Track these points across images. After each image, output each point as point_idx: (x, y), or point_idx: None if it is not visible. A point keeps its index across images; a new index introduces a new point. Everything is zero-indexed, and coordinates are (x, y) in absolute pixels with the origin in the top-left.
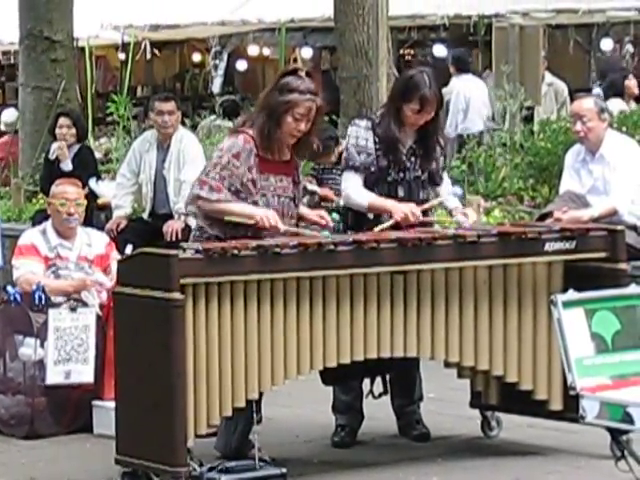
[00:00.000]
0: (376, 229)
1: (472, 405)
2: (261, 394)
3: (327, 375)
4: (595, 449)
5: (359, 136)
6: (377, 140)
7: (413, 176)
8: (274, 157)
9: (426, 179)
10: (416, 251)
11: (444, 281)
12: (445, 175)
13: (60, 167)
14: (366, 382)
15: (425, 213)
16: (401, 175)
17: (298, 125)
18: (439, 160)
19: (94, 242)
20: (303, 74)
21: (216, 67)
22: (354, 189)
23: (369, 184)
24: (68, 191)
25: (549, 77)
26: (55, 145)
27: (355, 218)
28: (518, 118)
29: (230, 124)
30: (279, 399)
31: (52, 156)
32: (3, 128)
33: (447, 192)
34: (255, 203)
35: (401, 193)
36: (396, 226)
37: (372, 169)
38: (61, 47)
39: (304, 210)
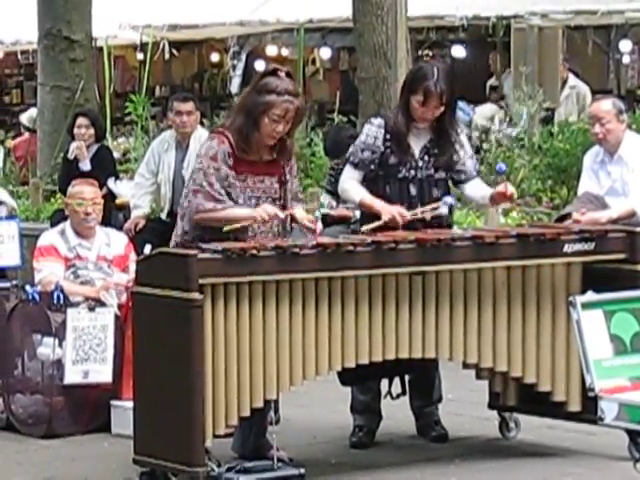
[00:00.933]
0: (363, 228)
1: (490, 406)
2: (279, 394)
3: (345, 375)
4: (613, 451)
5: (369, 134)
6: (387, 137)
7: (425, 175)
8: (253, 157)
9: (442, 178)
10: (435, 252)
11: (463, 282)
12: (476, 181)
13: (79, 167)
14: (384, 383)
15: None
16: (412, 173)
17: (276, 126)
18: (463, 160)
19: (113, 242)
20: (283, 74)
21: (234, 67)
22: (350, 184)
23: (379, 181)
24: (85, 191)
25: (572, 80)
26: (74, 145)
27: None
28: (537, 119)
29: None
30: (297, 399)
31: (71, 156)
32: (27, 123)
33: (480, 196)
34: (236, 202)
35: (413, 191)
36: (384, 227)
37: (372, 167)
38: (80, 47)
39: (299, 213)
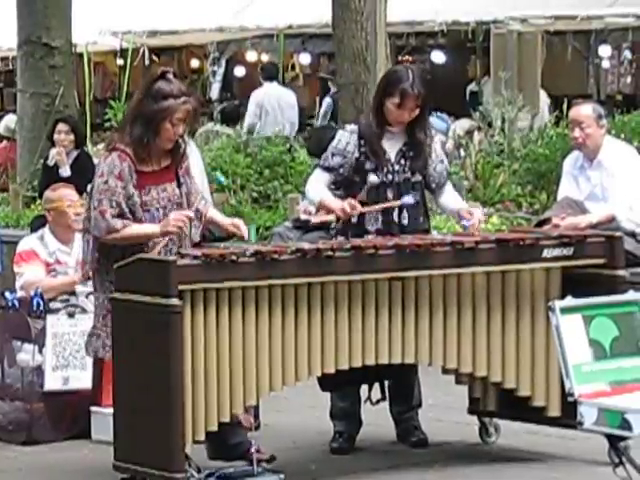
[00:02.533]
0: (313, 219)
1: (470, 411)
2: (259, 400)
3: (325, 381)
4: (593, 456)
5: (341, 139)
6: (362, 142)
7: (403, 178)
8: (152, 167)
9: (419, 181)
10: (414, 257)
11: (442, 287)
12: (449, 186)
13: (59, 173)
14: (364, 388)
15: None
16: (389, 177)
17: (177, 130)
18: (436, 165)
19: None
20: (171, 76)
21: (214, 73)
22: (314, 185)
23: (355, 187)
24: (70, 193)
25: None
26: (54, 151)
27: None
28: (516, 125)
29: (229, 130)
30: (277, 405)
31: (51, 162)
32: (3, 132)
33: (453, 204)
34: (141, 221)
35: (390, 195)
36: (338, 220)
37: (342, 171)
38: (59, 53)
39: (218, 216)
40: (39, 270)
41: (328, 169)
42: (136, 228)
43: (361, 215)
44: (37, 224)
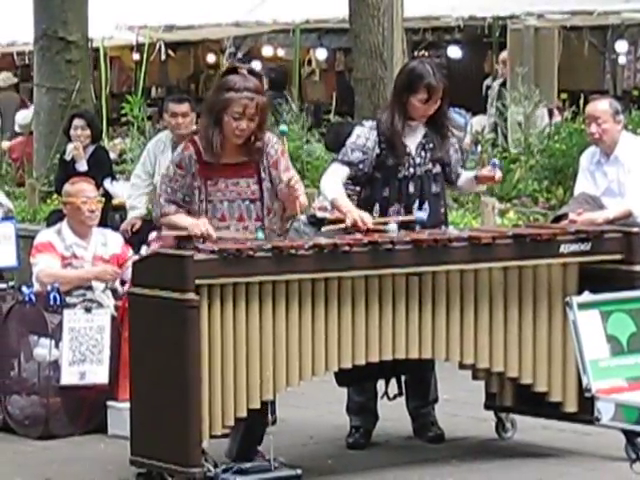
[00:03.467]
0: (323, 229)
1: (487, 407)
2: (275, 395)
3: (342, 376)
4: (610, 451)
5: (360, 135)
6: (382, 139)
7: (424, 170)
8: (226, 160)
9: (439, 172)
10: (431, 253)
11: (459, 283)
12: (464, 173)
13: (75, 167)
14: (381, 383)
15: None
16: (411, 171)
17: (238, 124)
18: (453, 154)
19: (110, 242)
20: (244, 72)
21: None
22: (330, 180)
23: (376, 183)
24: (87, 189)
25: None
26: (71, 146)
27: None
28: (532, 120)
29: None
30: (294, 400)
31: (68, 157)
32: (18, 129)
33: (464, 179)
34: (198, 211)
35: (411, 189)
36: (345, 230)
37: (360, 167)
38: (76, 48)
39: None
40: (54, 262)
41: (347, 164)
42: (182, 218)
43: (381, 206)
44: (54, 218)
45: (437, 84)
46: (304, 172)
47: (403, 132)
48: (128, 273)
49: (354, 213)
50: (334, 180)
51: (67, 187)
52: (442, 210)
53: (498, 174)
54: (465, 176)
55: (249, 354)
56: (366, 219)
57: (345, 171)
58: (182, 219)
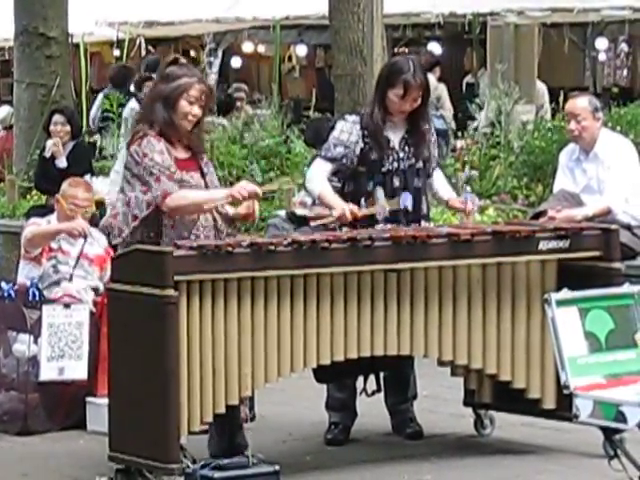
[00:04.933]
0: (312, 223)
1: (465, 403)
2: (254, 391)
3: (321, 373)
4: (588, 448)
5: (343, 130)
6: (365, 133)
7: (407, 165)
8: (179, 154)
9: (422, 167)
10: (410, 249)
11: (438, 279)
12: (438, 172)
13: (55, 164)
14: (360, 380)
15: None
16: (395, 165)
17: (192, 109)
18: (432, 151)
19: (95, 242)
20: (184, 62)
21: (211, 64)
22: (316, 175)
23: (361, 177)
24: (79, 197)
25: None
26: (50, 142)
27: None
28: (517, 117)
29: (223, 121)
30: (273, 396)
31: (47, 154)
32: None
33: (442, 188)
34: None
35: (396, 183)
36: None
37: (344, 162)
38: (56, 44)
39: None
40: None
41: (330, 159)
42: (197, 192)
43: (367, 200)
44: (33, 214)
45: (414, 81)
46: (284, 168)
47: (384, 125)
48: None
49: (342, 206)
50: (319, 176)
51: (64, 186)
52: (423, 206)
53: (469, 206)
54: (441, 188)
55: (227, 350)
56: (355, 210)
57: (328, 166)
58: (197, 193)
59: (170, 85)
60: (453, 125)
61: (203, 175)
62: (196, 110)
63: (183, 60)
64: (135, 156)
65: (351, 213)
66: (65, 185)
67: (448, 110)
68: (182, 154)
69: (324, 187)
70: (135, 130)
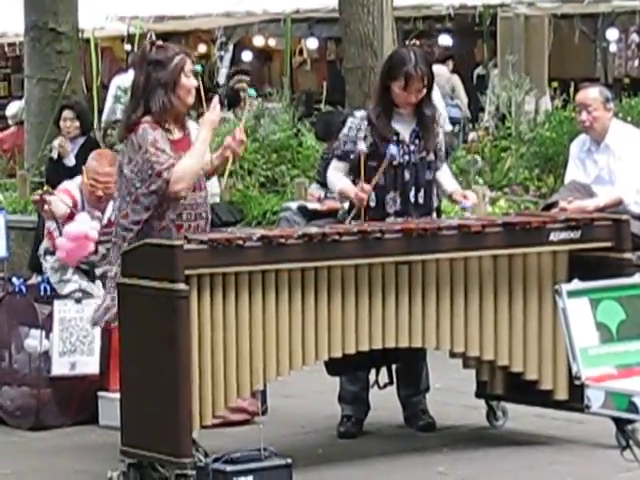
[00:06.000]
0: (320, 207)
1: (478, 395)
2: (266, 385)
3: (332, 366)
4: (601, 439)
5: (352, 126)
6: (373, 128)
7: (418, 157)
8: (175, 136)
9: (433, 160)
10: (421, 241)
11: (449, 271)
12: (445, 166)
13: (64, 163)
14: (372, 372)
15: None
16: (406, 158)
17: (191, 81)
18: (439, 143)
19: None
20: (161, 42)
21: (221, 58)
22: (333, 175)
23: (373, 171)
24: (99, 172)
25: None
26: (55, 142)
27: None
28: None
29: (231, 115)
30: (285, 390)
31: (54, 154)
32: (9, 122)
33: (446, 185)
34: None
35: (407, 176)
36: (351, 208)
37: (353, 157)
38: (66, 39)
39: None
40: (65, 199)
41: (342, 157)
42: (191, 151)
43: (378, 194)
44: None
45: (415, 73)
46: (295, 161)
47: (390, 118)
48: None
49: (353, 189)
50: (335, 176)
51: (89, 160)
52: (434, 198)
53: (471, 200)
54: (445, 181)
55: (239, 344)
56: (365, 187)
57: (342, 165)
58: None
59: (166, 70)
60: (468, 114)
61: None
62: (193, 81)
63: (159, 42)
64: (130, 150)
65: (362, 190)
66: (90, 158)
67: (463, 100)
68: (177, 134)
69: (341, 183)
70: (126, 123)
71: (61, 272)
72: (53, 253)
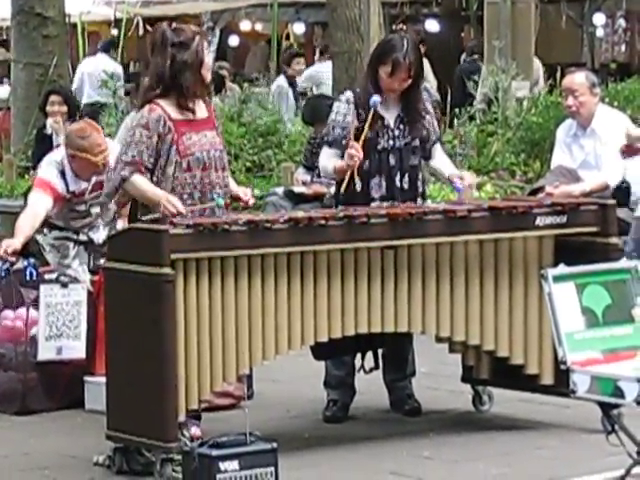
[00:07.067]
0: (307, 191)
1: (464, 380)
2: (252, 369)
3: (318, 350)
4: (586, 423)
5: (338, 111)
6: (359, 111)
7: (403, 143)
8: (189, 115)
9: (417, 146)
10: (407, 226)
11: (435, 256)
12: (439, 147)
13: (52, 141)
14: (358, 357)
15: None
16: (391, 143)
17: (209, 60)
18: (430, 130)
19: None
20: (174, 24)
21: (209, 43)
22: (326, 161)
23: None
24: (99, 142)
25: None
26: (51, 119)
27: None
28: (513, 94)
29: (216, 99)
30: (271, 374)
31: (49, 130)
32: None
33: (444, 168)
34: (180, 167)
35: (392, 161)
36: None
37: (344, 142)
38: (53, 23)
39: (232, 184)
40: (46, 201)
41: (333, 144)
42: (145, 184)
43: (363, 179)
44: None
45: (403, 60)
46: (281, 146)
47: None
48: None
49: (345, 156)
50: (327, 161)
51: (78, 142)
52: (419, 183)
53: (468, 181)
54: (442, 165)
55: (225, 328)
56: (353, 147)
57: (333, 151)
58: (147, 184)
59: (190, 50)
60: (437, 97)
61: (218, 133)
62: (210, 58)
63: (173, 24)
64: (130, 122)
65: (354, 150)
66: (78, 141)
67: (433, 83)
68: (201, 113)
69: (335, 163)
70: (142, 97)
71: (62, 250)
72: (54, 228)
